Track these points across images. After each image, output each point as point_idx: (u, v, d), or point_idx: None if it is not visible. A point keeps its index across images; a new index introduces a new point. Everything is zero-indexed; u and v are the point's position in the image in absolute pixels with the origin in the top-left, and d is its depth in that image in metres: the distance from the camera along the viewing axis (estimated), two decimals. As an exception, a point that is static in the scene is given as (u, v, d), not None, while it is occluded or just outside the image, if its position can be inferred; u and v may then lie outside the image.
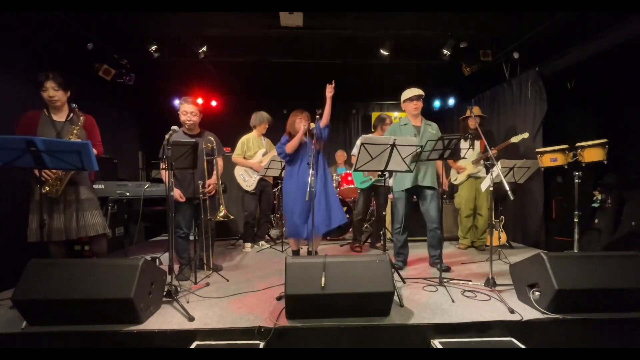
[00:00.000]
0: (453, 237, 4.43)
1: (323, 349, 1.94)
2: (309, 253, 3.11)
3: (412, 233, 3.31)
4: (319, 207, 2.88)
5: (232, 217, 3.09)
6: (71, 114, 2.60)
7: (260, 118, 4.15)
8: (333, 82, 2.81)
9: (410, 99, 3.14)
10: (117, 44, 4.18)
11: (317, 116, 2.85)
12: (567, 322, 2.09)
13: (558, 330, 2.09)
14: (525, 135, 3.69)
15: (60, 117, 2.56)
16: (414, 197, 3.29)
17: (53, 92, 2.47)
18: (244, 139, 4.11)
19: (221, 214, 2.99)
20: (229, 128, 4.70)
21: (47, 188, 2.41)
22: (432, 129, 3.23)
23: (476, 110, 4.08)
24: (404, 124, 3.20)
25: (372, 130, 4.21)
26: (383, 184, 4.01)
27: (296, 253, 3.15)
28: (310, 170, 2.61)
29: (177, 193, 2.88)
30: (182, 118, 2.99)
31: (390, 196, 4.59)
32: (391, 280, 2.10)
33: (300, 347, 1.99)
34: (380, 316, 2.13)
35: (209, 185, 3.04)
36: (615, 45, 3.33)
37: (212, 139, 3.11)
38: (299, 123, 2.98)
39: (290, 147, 2.96)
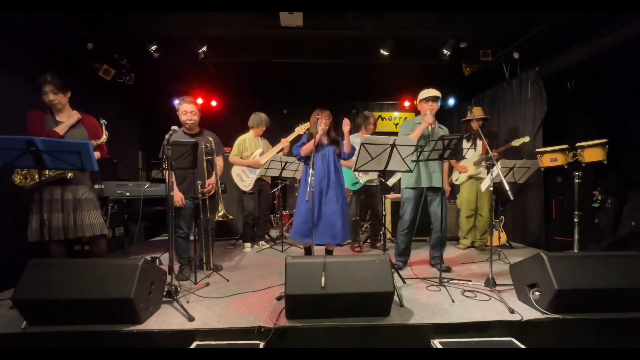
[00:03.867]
0: (453, 237, 4.43)
1: (323, 349, 1.94)
2: (327, 252, 3.01)
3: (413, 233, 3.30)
4: (326, 221, 2.80)
5: (231, 217, 3.08)
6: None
7: (258, 120, 4.13)
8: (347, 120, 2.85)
9: (426, 100, 3.12)
10: (117, 44, 4.17)
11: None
12: (567, 322, 2.09)
13: (558, 330, 2.09)
14: (526, 139, 3.69)
15: (63, 117, 2.56)
16: (422, 199, 3.27)
17: (53, 95, 2.46)
18: (240, 139, 4.10)
19: (220, 213, 2.99)
20: (229, 128, 4.69)
21: (20, 178, 2.42)
22: (444, 132, 3.22)
23: (478, 111, 4.07)
24: (419, 122, 3.19)
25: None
26: (376, 184, 4.01)
27: (309, 252, 3.07)
28: (311, 170, 2.60)
29: (177, 196, 2.88)
30: (182, 118, 2.98)
31: (389, 196, 4.62)
32: (391, 280, 2.10)
33: (300, 347, 1.99)
34: (380, 316, 2.13)
35: (209, 185, 3.04)
36: (615, 45, 3.33)
37: (211, 138, 3.10)
38: (320, 124, 2.86)
39: (305, 150, 2.91)
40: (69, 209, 2.50)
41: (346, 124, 2.83)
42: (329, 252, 3.02)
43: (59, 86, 2.47)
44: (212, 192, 3.07)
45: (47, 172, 2.43)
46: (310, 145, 2.87)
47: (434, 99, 3.09)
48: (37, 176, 2.35)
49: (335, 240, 2.83)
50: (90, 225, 2.56)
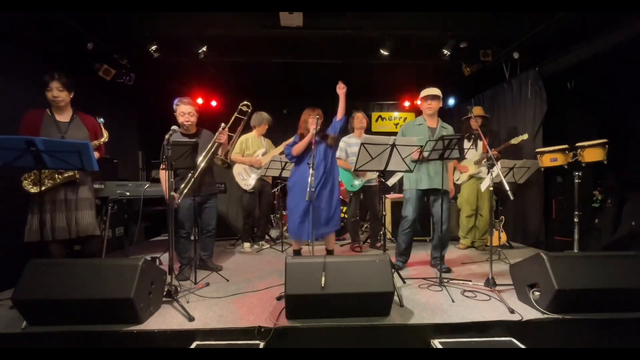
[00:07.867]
0: (454, 237, 4.43)
1: (323, 349, 1.94)
2: (328, 252, 3.10)
3: (414, 233, 3.30)
4: (320, 209, 2.85)
5: (228, 161, 3.12)
6: (75, 115, 2.62)
7: (260, 119, 4.15)
8: (340, 82, 2.85)
9: (424, 98, 3.11)
10: (117, 44, 4.17)
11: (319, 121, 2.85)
12: (567, 322, 2.09)
13: (558, 330, 2.09)
14: (525, 136, 3.69)
15: (63, 117, 2.57)
16: (425, 198, 3.25)
17: (57, 92, 2.49)
18: (243, 138, 4.11)
19: (221, 156, 2.98)
20: (229, 128, 4.69)
21: (28, 183, 2.45)
22: (448, 132, 3.18)
23: (478, 110, 4.07)
24: (419, 123, 3.17)
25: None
26: (375, 184, 4.01)
27: (297, 253, 3.14)
28: (310, 170, 2.60)
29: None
30: (180, 119, 2.95)
31: (389, 196, 4.62)
32: (391, 280, 2.10)
33: (300, 347, 1.99)
34: (380, 316, 2.13)
35: (222, 133, 2.97)
36: (616, 45, 3.33)
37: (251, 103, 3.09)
38: (311, 124, 2.84)
39: (297, 149, 2.91)
40: (71, 208, 2.51)
41: (340, 87, 2.84)
42: (329, 252, 3.05)
43: (65, 84, 2.51)
44: (223, 140, 3.01)
45: (57, 177, 2.46)
46: (301, 145, 2.89)
47: (432, 97, 3.08)
48: (47, 181, 2.39)
49: (334, 226, 2.95)
50: (85, 225, 2.57)
